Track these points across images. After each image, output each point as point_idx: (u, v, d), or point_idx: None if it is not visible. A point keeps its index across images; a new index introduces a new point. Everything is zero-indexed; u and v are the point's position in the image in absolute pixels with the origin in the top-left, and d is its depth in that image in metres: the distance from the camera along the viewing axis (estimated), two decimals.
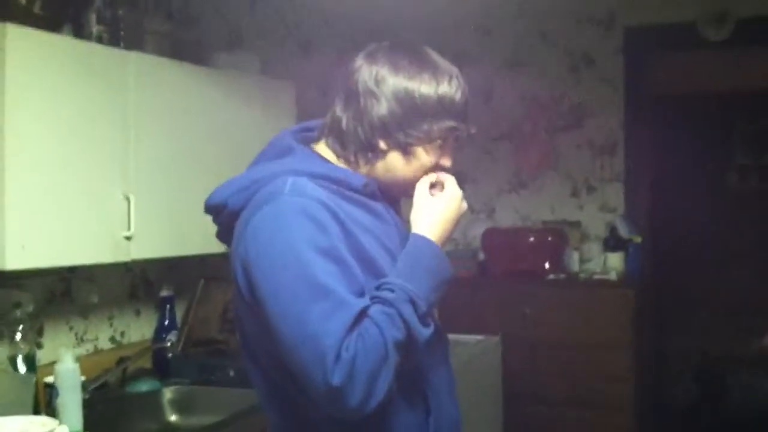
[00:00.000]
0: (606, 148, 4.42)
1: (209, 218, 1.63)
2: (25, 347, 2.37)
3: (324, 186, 1.53)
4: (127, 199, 2.45)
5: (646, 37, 4.31)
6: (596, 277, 4.07)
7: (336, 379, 1.36)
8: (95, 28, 2.41)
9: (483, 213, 4.65)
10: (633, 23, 4.33)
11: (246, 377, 1.67)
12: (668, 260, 4.83)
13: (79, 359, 2.28)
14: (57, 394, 2.05)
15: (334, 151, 1.61)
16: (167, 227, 2.59)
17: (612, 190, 4.42)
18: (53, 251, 2.25)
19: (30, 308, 2.44)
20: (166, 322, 3.02)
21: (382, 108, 1.54)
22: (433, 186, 1.60)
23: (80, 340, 2.80)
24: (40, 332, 2.63)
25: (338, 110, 1.59)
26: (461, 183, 1.66)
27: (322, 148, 1.62)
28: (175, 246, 2.62)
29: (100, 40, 2.44)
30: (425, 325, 1.48)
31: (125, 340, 2.98)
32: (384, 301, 1.45)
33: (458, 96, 1.57)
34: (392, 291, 1.45)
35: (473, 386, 3.65)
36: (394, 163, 1.57)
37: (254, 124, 2.90)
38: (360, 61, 1.58)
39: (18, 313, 2.38)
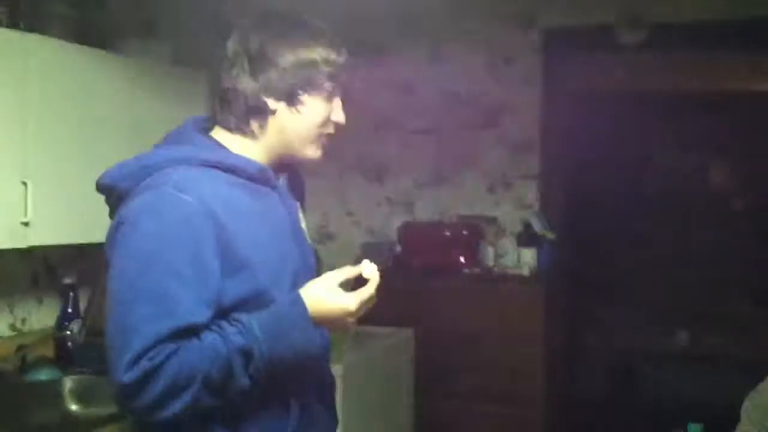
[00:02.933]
0: (522, 146, 4.48)
1: (102, 206, 1.63)
2: None
3: (215, 175, 1.54)
4: (24, 184, 2.41)
5: (564, 38, 4.39)
6: (509, 272, 4.14)
7: (125, 378, 1.38)
8: None
9: (401, 206, 4.68)
10: (552, 24, 4.41)
11: None
12: (583, 256, 4.93)
13: None
14: None
15: (228, 129, 1.63)
16: (67, 214, 2.55)
17: (528, 187, 4.49)
18: None
19: None
20: (69, 310, 2.98)
21: (265, 70, 1.58)
22: (349, 282, 1.58)
23: None
24: None
25: (223, 83, 1.62)
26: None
27: (218, 133, 1.64)
28: (74, 233, 2.59)
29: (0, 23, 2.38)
30: (253, 378, 1.45)
31: (26, 328, 2.93)
32: (224, 338, 1.44)
33: (334, 52, 1.63)
34: (240, 333, 1.44)
35: (384, 378, 3.69)
36: (285, 119, 1.61)
37: (162, 112, 2.87)
38: (235, 32, 1.62)
39: None
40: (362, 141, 4.73)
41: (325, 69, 1.61)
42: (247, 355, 1.43)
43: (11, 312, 2.87)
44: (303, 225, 1.77)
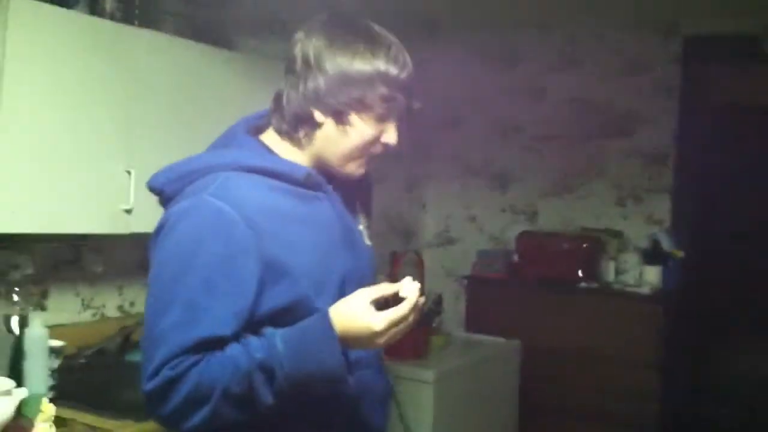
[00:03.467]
0: (656, 158, 4.29)
1: None
2: (20, 308, 2.45)
3: (259, 181, 1.51)
4: (128, 173, 2.51)
5: (706, 47, 4.16)
6: (629, 289, 3.96)
7: (148, 386, 1.38)
8: (109, 5, 2.47)
9: (524, 215, 4.58)
10: (694, 32, 4.19)
11: None
12: (713, 277, 4.64)
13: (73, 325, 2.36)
14: (23, 358, 2.11)
15: (278, 131, 1.58)
16: None
17: (659, 202, 4.29)
18: (47, 219, 2.32)
19: (29, 271, 2.53)
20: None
21: (316, 79, 1.51)
22: (382, 302, 1.43)
23: (86, 307, 2.89)
24: (44, 295, 2.74)
25: (281, 86, 1.57)
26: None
27: (269, 135, 1.60)
28: None
29: (113, 17, 2.49)
30: (277, 394, 1.40)
31: (134, 310, 3.06)
32: (246, 351, 1.40)
33: (394, 68, 1.51)
34: (262, 348, 1.40)
35: (488, 388, 3.62)
36: (330, 134, 1.53)
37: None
38: (298, 35, 1.55)
39: (15, 275, 2.47)
40: (488, 146, 4.67)
41: (381, 89, 1.50)
42: (267, 370, 1.38)
43: (120, 294, 3.00)
44: (361, 227, 1.73)
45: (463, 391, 3.39)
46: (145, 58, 2.55)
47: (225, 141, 1.63)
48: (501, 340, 3.85)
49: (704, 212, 4.36)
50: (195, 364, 1.37)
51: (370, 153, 1.57)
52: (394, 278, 3.42)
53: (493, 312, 4.11)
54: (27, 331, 2.17)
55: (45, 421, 1.98)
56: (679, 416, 4.03)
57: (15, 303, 2.47)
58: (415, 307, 1.42)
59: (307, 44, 1.52)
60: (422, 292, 1.45)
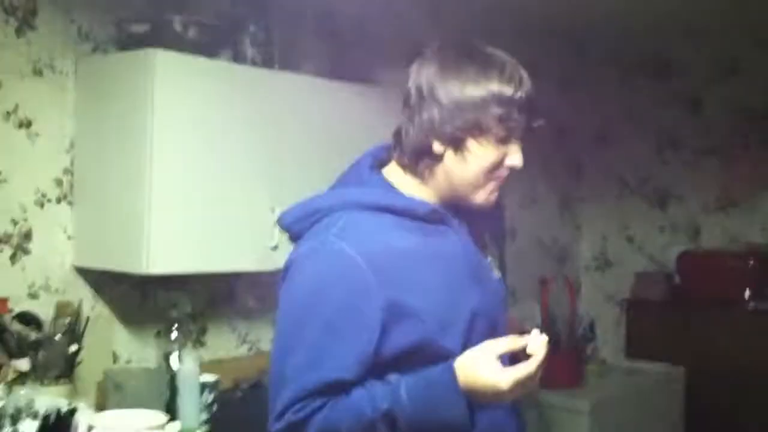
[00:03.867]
0: None
1: None
2: (179, 345, 2.57)
3: (384, 219, 1.51)
4: (273, 210, 2.59)
5: None
6: None
7: (274, 428, 1.40)
8: (250, 51, 2.57)
9: (685, 233, 4.38)
10: None
11: None
12: None
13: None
14: (177, 393, 2.21)
15: (402, 165, 1.57)
16: None
17: None
18: (199, 258, 2.44)
19: (188, 309, 2.65)
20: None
21: (430, 109, 1.49)
22: (517, 355, 1.42)
23: (242, 341, 3.00)
24: (203, 332, 2.86)
25: (401, 119, 1.57)
26: None
27: (393, 169, 1.59)
28: None
29: (254, 62, 2.59)
30: None
31: None
32: (371, 398, 1.40)
33: (508, 87, 1.47)
34: (387, 396, 1.40)
35: (649, 418, 3.48)
36: (451, 165, 1.51)
37: None
38: (413, 67, 1.55)
39: (174, 313, 2.59)
40: (644, 162, 4.51)
41: (496, 110, 1.46)
42: (391, 420, 1.38)
43: (274, 328, 3.10)
44: (489, 259, 1.68)
45: (622, 422, 3.27)
46: (284, 99, 2.63)
47: (349, 177, 1.63)
48: (663, 366, 3.69)
49: None
50: (319, 409, 1.39)
51: (496, 178, 1.53)
52: (545, 303, 3.37)
53: (655, 337, 3.94)
54: (180, 367, 2.27)
55: None
56: None
57: (174, 340, 2.59)
58: (543, 364, 1.38)
59: (420, 75, 1.52)
60: (549, 338, 1.40)
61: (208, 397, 2.39)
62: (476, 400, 1.39)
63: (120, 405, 2.23)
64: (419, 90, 1.51)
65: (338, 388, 1.40)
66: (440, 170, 1.53)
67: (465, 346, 1.45)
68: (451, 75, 1.49)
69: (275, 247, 2.62)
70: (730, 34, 4.20)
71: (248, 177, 2.56)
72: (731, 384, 3.71)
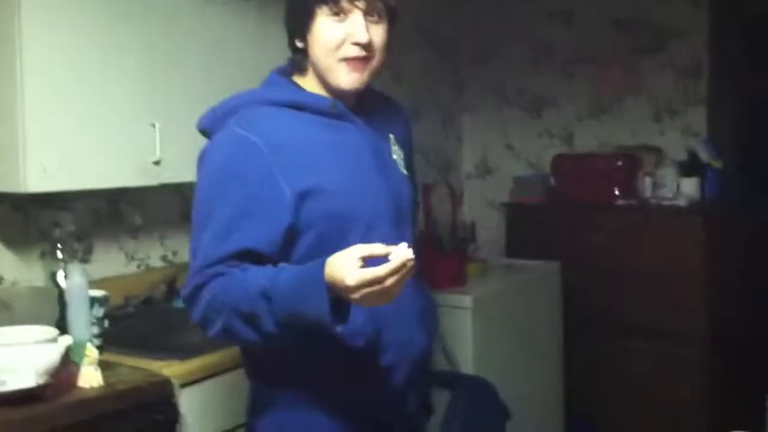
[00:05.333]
0: (690, 71, 4.23)
1: None
2: (64, 264, 2.58)
3: (287, 113, 1.66)
4: (153, 126, 2.60)
5: None
6: (666, 203, 3.95)
7: (183, 292, 1.60)
8: None
9: (560, 138, 4.58)
10: None
11: None
12: (757, 185, 4.58)
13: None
14: (67, 308, 2.24)
15: (299, 70, 1.74)
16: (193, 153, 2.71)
17: (695, 114, 4.24)
18: (78, 175, 2.43)
19: (70, 228, 2.65)
20: None
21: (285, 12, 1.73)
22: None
23: (130, 259, 3.03)
24: (89, 251, 2.87)
25: None
26: None
27: (296, 75, 1.76)
28: None
29: None
30: (278, 326, 1.49)
31: (177, 260, 3.18)
32: (258, 278, 1.50)
33: None
34: (268, 277, 1.50)
35: (530, 310, 3.68)
36: (311, 52, 1.67)
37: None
38: None
39: (57, 232, 2.59)
40: (521, 74, 4.65)
41: None
42: (267, 299, 1.48)
43: (162, 245, 3.13)
44: (395, 156, 1.82)
45: (504, 315, 3.46)
46: (161, 16, 2.62)
47: (261, 84, 1.80)
48: (540, 263, 3.90)
49: (740, 122, 4.29)
50: (218, 275, 1.53)
51: (345, 55, 1.65)
52: (428, 209, 3.49)
53: (533, 237, 4.15)
54: (67, 282, 2.29)
55: (90, 364, 2.11)
56: (726, 326, 4.02)
57: (60, 259, 2.60)
58: (394, 271, 1.39)
59: None
60: (414, 258, 1.41)
61: (99, 311, 2.42)
62: (337, 295, 1.43)
63: (10, 324, 2.23)
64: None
65: (243, 258, 1.54)
66: (311, 63, 1.70)
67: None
68: None
69: (157, 162, 2.64)
70: None
71: (126, 93, 2.56)
72: (604, 276, 3.96)
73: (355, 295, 1.40)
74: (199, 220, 1.61)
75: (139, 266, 3.06)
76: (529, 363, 3.65)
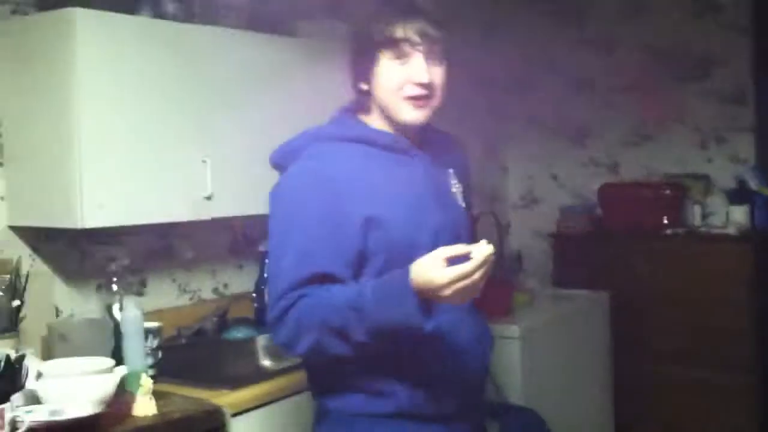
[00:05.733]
0: (735, 98, 4.22)
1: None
2: (119, 297, 2.64)
3: (353, 148, 1.77)
4: (204, 162, 2.67)
5: None
6: (716, 231, 3.92)
7: (270, 315, 1.66)
8: (170, 7, 2.63)
9: (606, 167, 4.58)
10: None
11: None
12: None
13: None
14: (122, 339, 2.30)
15: (362, 110, 1.84)
16: (244, 188, 2.78)
17: (743, 141, 4.22)
18: (132, 211, 2.51)
19: (125, 262, 2.73)
20: (266, 275, 3.25)
21: (350, 53, 1.81)
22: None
23: (183, 291, 3.10)
24: (143, 284, 2.95)
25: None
26: None
27: (362, 113, 1.85)
28: (251, 205, 2.82)
29: (175, 17, 2.65)
30: (368, 335, 1.58)
31: (228, 291, 3.24)
32: (344, 292, 1.62)
33: (388, 7, 1.76)
34: (355, 292, 1.60)
35: (578, 340, 3.67)
36: (375, 92, 1.77)
37: (339, 89, 3.02)
38: None
39: (113, 266, 2.67)
40: (563, 103, 4.68)
41: (380, 23, 1.72)
42: (357, 310, 1.57)
43: (213, 277, 3.20)
44: (454, 189, 1.91)
45: (552, 345, 3.45)
46: (207, 52, 2.70)
47: (327, 122, 1.90)
48: (588, 292, 3.88)
49: None
50: (304, 296, 1.62)
51: (407, 95, 1.74)
52: (473, 239, 3.52)
53: (580, 267, 4.14)
54: (123, 314, 2.35)
55: (145, 393, 2.17)
56: None
57: (115, 292, 2.67)
58: (480, 266, 1.49)
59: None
60: (495, 252, 1.54)
61: (153, 342, 2.48)
62: (424, 297, 1.54)
63: (66, 355, 2.30)
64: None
65: (324, 281, 1.64)
66: (375, 103, 1.80)
67: None
68: (362, 18, 1.80)
69: (209, 197, 2.70)
70: None
71: (177, 130, 2.63)
72: (652, 305, 3.94)
73: (447, 291, 1.50)
74: (278, 247, 1.71)
75: (191, 298, 3.13)
76: (578, 393, 3.62)
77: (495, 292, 3.37)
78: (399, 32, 1.71)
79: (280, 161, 1.83)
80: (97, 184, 2.40)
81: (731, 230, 3.87)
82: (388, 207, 1.72)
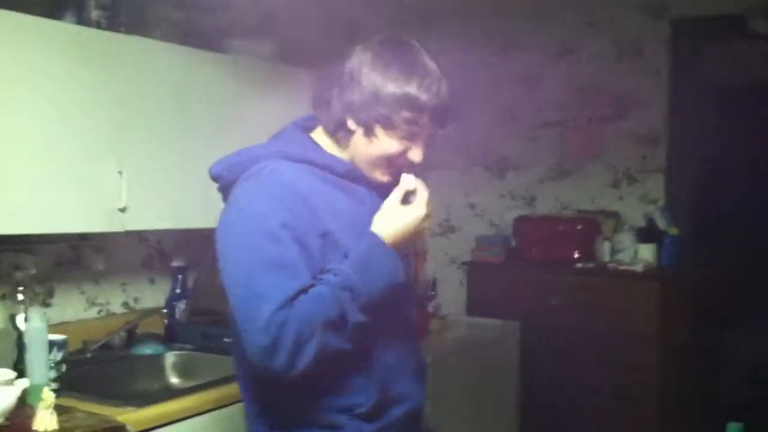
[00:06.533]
0: (649, 139, 4.36)
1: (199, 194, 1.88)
2: (24, 307, 2.57)
3: (308, 169, 1.72)
4: (120, 173, 2.63)
5: (694, 28, 4.23)
6: (623, 267, 4.04)
7: (264, 341, 1.54)
8: (94, 14, 2.59)
9: (522, 200, 4.68)
10: (682, 14, 4.25)
11: None
12: (718, 253, 4.70)
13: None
14: (25, 350, 2.24)
15: (327, 131, 1.79)
16: (161, 201, 2.75)
17: (654, 182, 4.36)
18: (43, 219, 2.44)
19: (32, 271, 2.66)
20: (178, 291, 3.21)
21: (353, 92, 1.70)
22: (406, 197, 1.71)
23: (91, 304, 3.03)
24: (50, 294, 2.87)
25: (331, 90, 1.76)
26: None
27: (318, 133, 1.81)
28: (168, 218, 2.78)
29: (99, 25, 2.61)
30: (362, 312, 1.60)
31: (138, 306, 3.18)
32: (324, 283, 1.60)
33: (424, 96, 1.69)
34: (335, 275, 1.60)
35: (488, 368, 3.71)
36: (359, 143, 1.73)
37: (263, 109, 3.01)
38: (356, 48, 1.74)
39: (19, 275, 2.60)
40: (487, 136, 4.76)
41: (406, 113, 1.68)
42: (348, 288, 1.58)
43: (124, 291, 3.14)
44: None
45: (462, 372, 3.48)
46: (132, 63, 2.66)
47: (278, 136, 1.84)
48: (500, 321, 3.94)
49: (698, 190, 4.42)
50: (291, 311, 1.55)
51: (395, 166, 1.75)
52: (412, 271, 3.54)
53: (493, 296, 4.21)
54: (27, 325, 2.29)
55: (46, 408, 2.10)
56: (678, 388, 4.09)
57: (20, 302, 2.59)
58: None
59: (356, 59, 1.73)
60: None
61: (57, 355, 2.41)
62: (407, 241, 1.68)
63: None
64: (350, 72, 1.72)
65: (300, 294, 1.59)
66: (353, 142, 1.75)
67: None
68: (379, 67, 1.70)
69: (123, 209, 2.66)
70: (566, 18, 4.49)
71: (94, 139, 2.57)
72: (562, 336, 4.03)
73: (428, 223, 1.70)
74: (251, 265, 1.60)
75: (99, 311, 3.06)
76: (485, 421, 3.67)
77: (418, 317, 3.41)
78: (424, 121, 1.71)
79: (225, 173, 1.76)
80: (7, 191, 2.33)
81: (638, 267, 3.99)
82: (342, 226, 1.69)
